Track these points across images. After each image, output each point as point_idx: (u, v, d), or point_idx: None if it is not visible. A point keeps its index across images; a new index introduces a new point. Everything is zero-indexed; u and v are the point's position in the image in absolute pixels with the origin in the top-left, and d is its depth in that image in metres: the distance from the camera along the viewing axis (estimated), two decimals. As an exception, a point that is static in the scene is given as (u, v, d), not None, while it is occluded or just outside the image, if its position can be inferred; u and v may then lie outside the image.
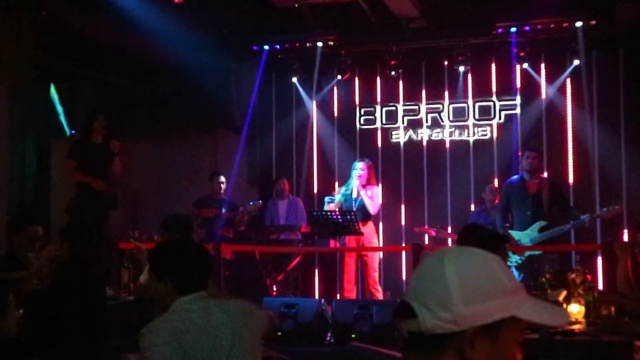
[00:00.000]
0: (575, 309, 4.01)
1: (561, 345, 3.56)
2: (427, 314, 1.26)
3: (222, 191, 8.41)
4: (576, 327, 3.84)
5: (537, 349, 3.66)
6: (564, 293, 4.09)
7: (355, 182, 7.60)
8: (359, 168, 7.66)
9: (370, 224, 7.76)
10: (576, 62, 8.50)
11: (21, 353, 2.94)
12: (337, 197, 7.75)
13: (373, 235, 7.83)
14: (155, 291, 2.94)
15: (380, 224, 9.12)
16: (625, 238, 8.26)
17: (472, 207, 8.94)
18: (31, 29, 5.88)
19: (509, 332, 1.29)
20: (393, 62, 9.11)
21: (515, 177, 7.41)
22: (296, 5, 8.21)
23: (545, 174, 7.90)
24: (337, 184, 9.49)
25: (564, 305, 4.04)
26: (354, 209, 7.51)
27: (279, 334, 6.57)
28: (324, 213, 7.46)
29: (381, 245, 8.90)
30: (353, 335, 6.18)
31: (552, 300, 3.98)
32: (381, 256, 8.45)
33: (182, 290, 2.79)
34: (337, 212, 7.45)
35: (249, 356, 2.80)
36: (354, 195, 7.60)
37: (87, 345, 4.06)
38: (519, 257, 7.18)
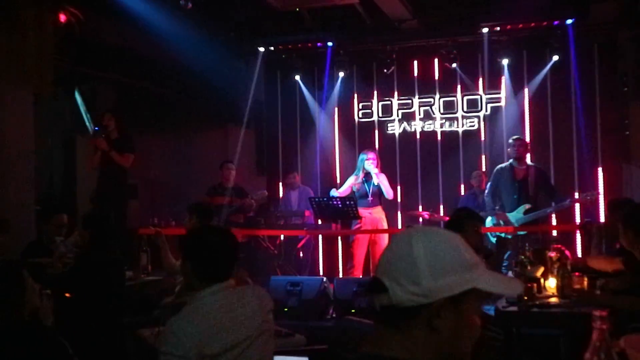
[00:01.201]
0: (552, 284, 4.03)
1: (538, 316, 3.58)
2: (397, 288, 1.27)
3: (231, 179, 8.43)
4: (552, 300, 3.85)
5: (516, 321, 3.70)
6: (542, 269, 4.11)
7: (374, 169, 7.57)
8: (372, 157, 7.63)
9: (380, 208, 7.73)
10: (555, 57, 8.49)
11: (47, 335, 2.90)
12: (348, 182, 7.72)
13: (383, 219, 7.78)
14: (181, 268, 2.80)
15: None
16: (602, 219, 8.32)
17: (462, 192, 8.95)
18: (52, 36, 5.90)
19: (471, 302, 1.31)
20: (388, 61, 9.11)
21: (505, 163, 7.45)
22: (297, 9, 8.20)
23: (530, 162, 7.90)
24: (337, 173, 9.54)
25: (542, 280, 4.07)
26: (369, 194, 7.52)
27: (285, 309, 6.64)
28: (325, 199, 7.48)
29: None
30: (353, 311, 6.23)
31: (530, 276, 4.00)
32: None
33: (200, 276, 2.63)
34: (338, 199, 7.47)
35: (264, 344, 2.69)
36: (375, 181, 7.56)
37: (105, 323, 4.08)
38: (508, 235, 7.21)
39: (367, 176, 7.60)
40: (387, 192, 7.59)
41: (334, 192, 7.76)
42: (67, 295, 4.12)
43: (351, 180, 7.71)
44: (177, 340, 2.45)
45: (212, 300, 2.58)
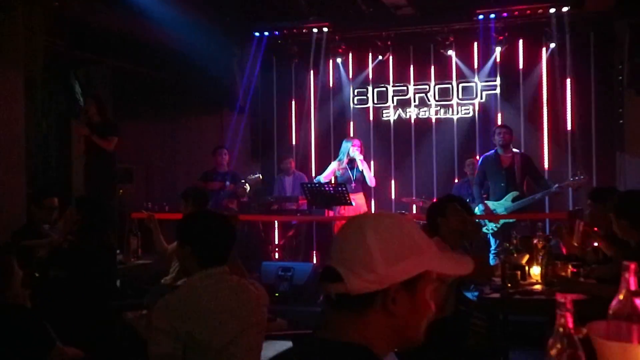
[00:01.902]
0: (537, 271, 4.03)
1: (520, 303, 3.59)
2: (352, 276, 1.27)
3: (225, 164, 8.42)
4: (537, 287, 3.86)
5: (498, 307, 3.70)
6: (527, 257, 4.11)
7: (359, 156, 7.62)
8: (357, 144, 7.67)
9: (362, 194, 7.79)
10: (551, 45, 8.46)
11: (30, 318, 2.92)
12: (331, 167, 7.74)
13: (363, 205, 7.84)
14: (178, 253, 2.82)
15: (372, 195, 9.17)
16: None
17: (456, 180, 8.94)
18: (43, 19, 5.86)
19: (424, 284, 1.32)
20: (383, 47, 9.07)
21: (491, 152, 7.40)
22: (292, -6, 8.16)
23: (516, 150, 7.89)
24: (332, 159, 9.50)
25: (526, 268, 4.07)
26: (353, 181, 7.54)
27: (276, 294, 6.66)
28: (316, 185, 7.47)
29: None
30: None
31: (515, 263, 4.00)
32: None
33: (200, 259, 2.63)
34: (330, 185, 7.47)
35: (255, 337, 2.69)
36: (360, 167, 7.61)
37: (94, 306, 4.10)
38: (494, 225, 7.21)
39: (351, 162, 7.64)
40: (370, 179, 7.67)
41: (320, 178, 7.77)
42: (54, 277, 4.13)
43: (334, 166, 7.74)
44: (166, 315, 2.49)
45: (205, 284, 2.59)
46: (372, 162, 9.41)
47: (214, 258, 2.65)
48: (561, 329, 1.49)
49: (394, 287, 1.27)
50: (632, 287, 1.65)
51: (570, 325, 1.48)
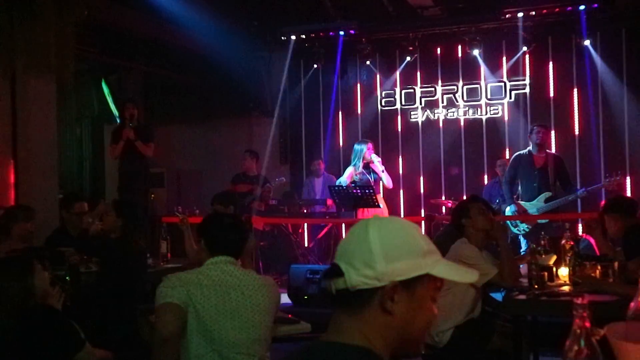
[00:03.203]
0: (564, 272, 3.96)
1: (546, 305, 3.53)
2: (352, 271, 1.29)
3: (254, 168, 8.48)
4: (564, 288, 3.79)
5: (523, 308, 3.65)
6: (554, 258, 4.04)
7: (376, 158, 7.56)
8: (371, 147, 7.59)
9: (381, 196, 7.68)
10: (581, 43, 8.31)
11: (58, 319, 2.97)
12: (348, 172, 7.67)
13: (385, 207, 7.74)
14: (198, 247, 3.19)
15: (401, 195, 9.16)
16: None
17: (485, 181, 8.85)
18: (75, 27, 5.98)
19: (425, 288, 1.32)
20: (411, 48, 9.03)
21: (524, 151, 7.29)
22: (318, -3, 8.19)
23: (553, 150, 7.78)
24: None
25: (554, 269, 4.00)
26: (373, 183, 7.49)
27: (305, 297, 6.66)
28: (344, 187, 7.45)
29: (402, 215, 8.91)
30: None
31: (542, 265, 3.94)
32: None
33: (211, 251, 2.93)
34: (357, 187, 7.44)
35: (254, 323, 2.83)
36: (380, 168, 7.53)
37: (124, 310, 4.15)
38: (526, 226, 7.10)
39: (366, 166, 7.56)
40: (388, 180, 7.54)
41: (342, 180, 7.67)
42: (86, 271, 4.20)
43: (350, 171, 7.62)
44: (170, 279, 2.81)
45: (213, 268, 2.88)
46: (400, 165, 9.38)
47: (222, 249, 2.94)
48: (578, 331, 1.47)
49: (392, 285, 1.29)
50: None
51: (588, 326, 1.46)
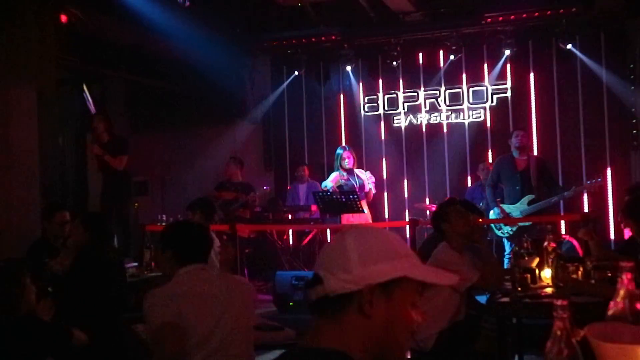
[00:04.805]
0: (548, 274, 3.98)
1: (529, 307, 3.54)
2: (330, 277, 1.32)
3: (239, 175, 8.45)
4: (547, 290, 3.81)
5: (507, 311, 3.66)
6: (537, 260, 4.05)
7: (352, 167, 7.57)
8: (347, 156, 7.58)
9: (365, 202, 7.69)
10: (561, 47, 8.39)
11: (39, 325, 2.98)
12: (333, 176, 7.66)
13: (369, 213, 7.75)
14: (159, 260, 3.17)
15: (386, 199, 9.17)
16: (610, 208, 8.25)
17: (469, 184, 8.89)
18: (56, 35, 5.93)
19: (403, 292, 1.33)
20: (393, 53, 9.05)
21: (506, 155, 7.34)
22: (299, 4, 8.18)
23: (535, 152, 7.83)
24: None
25: (536, 271, 4.02)
26: (357, 189, 7.49)
27: (290, 303, 6.64)
28: (328, 194, 7.44)
29: (386, 219, 8.96)
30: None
31: (525, 267, 3.95)
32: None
33: (179, 260, 2.91)
34: (340, 193, 7.43)
35: (237, 323, 2.86)
36: (362, 176, 7.54)
37: (105, 321, 4.10)
38: (510, 229, 7.13)
39: (349, 171, 7.57)
40: (368, 188, 7.56)
41: (327, 183, 7.67)
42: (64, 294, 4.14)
43: (335, 175, 7.61)
44: (158, 295, 2.77)
45: (189, 275, 2.88)
46: (384, 169, 9.40)
47: (193, 257, 2.94)
48: (558, 332, 1.47)
49: (370, 288, 1.30)
50: (629, 287, 1.62)
51: (568, 327, 1.47)
